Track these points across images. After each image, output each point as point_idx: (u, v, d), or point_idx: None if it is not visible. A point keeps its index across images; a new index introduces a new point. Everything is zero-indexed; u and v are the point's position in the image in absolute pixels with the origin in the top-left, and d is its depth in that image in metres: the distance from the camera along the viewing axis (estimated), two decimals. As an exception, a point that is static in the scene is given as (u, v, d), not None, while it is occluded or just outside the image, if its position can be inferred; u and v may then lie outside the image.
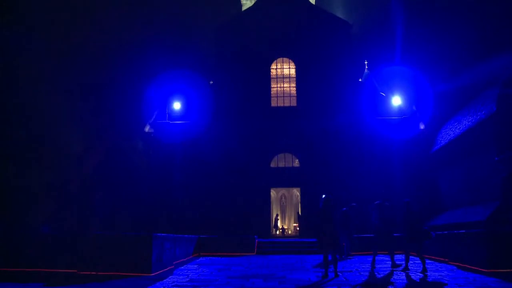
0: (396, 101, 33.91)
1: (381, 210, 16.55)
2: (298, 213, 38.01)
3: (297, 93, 35.23)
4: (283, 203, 46.55)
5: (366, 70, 38.82)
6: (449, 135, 27.73)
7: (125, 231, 22.82)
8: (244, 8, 47.92)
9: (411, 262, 17.22)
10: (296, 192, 43.04)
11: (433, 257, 19.24)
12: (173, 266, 17.31)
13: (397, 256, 17.62)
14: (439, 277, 14.13)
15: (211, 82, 35.59)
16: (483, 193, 22.17)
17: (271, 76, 35.80)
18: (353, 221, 20.53)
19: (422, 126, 33.07)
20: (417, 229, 15.27)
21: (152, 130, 34.34)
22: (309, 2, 38.42)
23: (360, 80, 36.97)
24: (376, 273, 15.13)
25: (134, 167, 34.43)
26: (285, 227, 44.35)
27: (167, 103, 34.40)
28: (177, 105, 34.04)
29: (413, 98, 34.30)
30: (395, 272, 15.27)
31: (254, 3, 38.68)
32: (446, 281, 13.20)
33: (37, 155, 33.37)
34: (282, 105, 35.29)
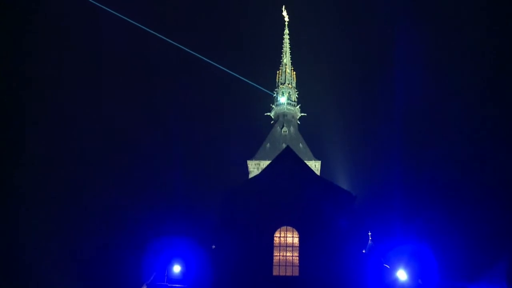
0: (401, 274, 33.20)
1: None
2: None
3: (299, 262, 34.66)
4: None
5: (369, 242, 38.62)
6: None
7: None
8: (251, 175, 49.31)
9: None
10: None
11: None
12: None
13: None
14: None
15: (213, 247, 35.29)
16: None
17: (274, 244, 35.48)
18: None
19: (429, 303, 31.92)
20: None
21: (148, 292, 33.34)
22: (314, 173, 39.58)
23: (363, 251, 36.57)
24: None
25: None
26: None
27: (166, 265, 33.83)
28: (176, 268, 33.47)
29: (418, 271, 33.60)
30: None
31: (261, 172, 39.91)
32: None
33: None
34: (284, 274, 34.50)
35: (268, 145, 52.67)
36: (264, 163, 47.21)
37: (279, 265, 34.95)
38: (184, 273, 33.68)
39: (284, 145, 44.75)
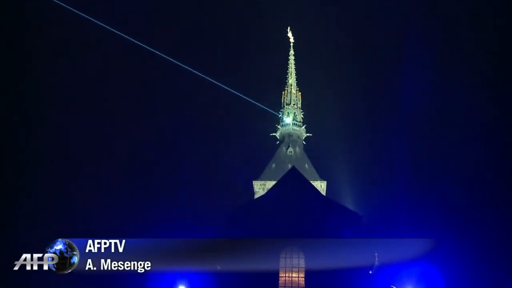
0: (409, 296, 32.74)
1: None
2: None
3: (305, 284, 34.36)
4: None
5: (376, 262, 38.08)
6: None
7: None
8: (256, 196, 49.13)
9: None
10: None
11: None
12: None
13: None
14: None
15: (218, 267, 34.92)
16: None
17: (280, 266, 35.14)
18: None
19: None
20: None
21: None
22: (320, 193, 39.39)
23: (370, 272, 36.08)
24: None
25: None
26: None
27: (170, 287, 33.48)
28: (181, 289, 33.18)
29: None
30: None
31: (267, 192, 39.80)
32: None
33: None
34: (290, 296, 34.18)
35: (273, 165, 52.62)
36: (270, 184, 47.12)
37: (284, 287, 34.59)
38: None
39: (289, 166, 44.64)
